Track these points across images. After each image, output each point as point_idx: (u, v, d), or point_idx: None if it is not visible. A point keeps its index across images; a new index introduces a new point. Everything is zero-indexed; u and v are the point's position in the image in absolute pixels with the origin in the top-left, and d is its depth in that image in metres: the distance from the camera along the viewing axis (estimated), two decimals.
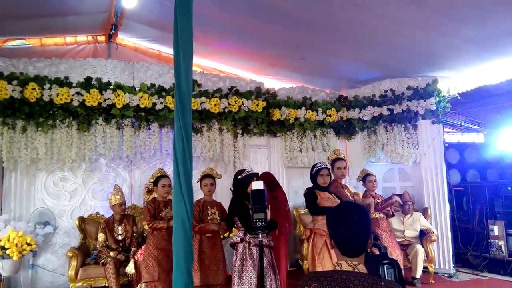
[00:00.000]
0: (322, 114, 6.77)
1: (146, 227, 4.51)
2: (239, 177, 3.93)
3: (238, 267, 3.69)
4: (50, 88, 5.15)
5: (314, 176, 4.13)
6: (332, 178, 4.28)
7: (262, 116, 6.32)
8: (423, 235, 5.69)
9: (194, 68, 6.61)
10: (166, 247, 4.04)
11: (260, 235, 3.32)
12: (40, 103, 5.12)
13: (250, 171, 3.98)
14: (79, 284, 4.72)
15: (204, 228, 4.06)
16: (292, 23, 5.07)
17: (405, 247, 5.59)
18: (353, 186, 6.82)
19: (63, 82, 5.29)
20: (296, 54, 6.13)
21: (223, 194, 5.84)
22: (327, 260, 3.84)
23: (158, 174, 4.37)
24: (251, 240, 3.72)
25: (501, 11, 4.32)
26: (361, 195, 5.73)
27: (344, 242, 1.62)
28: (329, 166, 4.19)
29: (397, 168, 6.82)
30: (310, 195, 4.09)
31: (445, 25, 4.75)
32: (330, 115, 6.83)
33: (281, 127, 6.59)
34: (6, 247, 4.32)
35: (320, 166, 4.12)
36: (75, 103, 5.22)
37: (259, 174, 4.15)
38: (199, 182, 4.24)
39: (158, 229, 4.09)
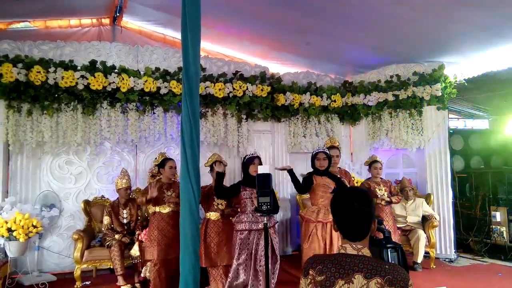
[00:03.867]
0: (326, 100, 6.74)
1: (150, 210, 4.59)
2: (244, 161, 4.11)
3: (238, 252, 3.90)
4: (55, 71, 5.15)
5: (312, 160, 4.27)
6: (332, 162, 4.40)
7: (267, 101, 6.30)
8: (425, 221, 5.73)
9: None
10: (165, 228, 4.33)
11: (265, 219, 3.37)
12: (45, 86, 5.12)
13: (252, 154, 4.10)
14: (85, 266, 4.79)
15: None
16: (298, 7, 5.02)
17: (407, 232, 5.63)
18: (356, 172, 6.85)
19: (68, 65, 5.28)
20: (301, 38, 6.08)
21: (227, 178, 5.92)
22: (316, 244, 4.01)
23: (163, 157, 4.47)
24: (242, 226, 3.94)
25: None
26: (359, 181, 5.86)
27: (346, 226, 1.64)
28: (326, 151, 4.25)
29: (401, 154, 6.82)
30: (305, 178, 4.26)
31: (453, 11, 4.69)
32: (334, 101, 6.80)
33: (286, 112, 6.57)
34: (12, 229, 4.38)
35: (317, 150, 4.28)
36: (80, 87, 5.22)
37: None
38: (209, 167, 4.40)
39: (142, 204, 4.38)
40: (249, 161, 4.03)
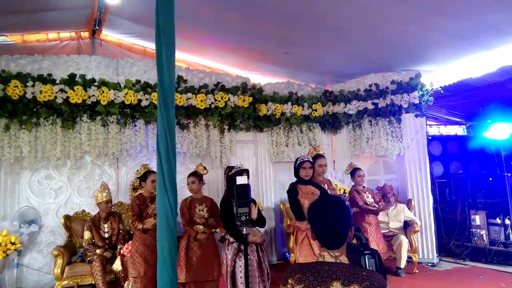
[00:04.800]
0: (308, 109, 6.82)
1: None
2: (230, 173, 4.00)
3: (230, 265, 3.82)
4: (33, 86, 5.08)
5: (296, 169, 4.18)
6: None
7: (249, 112, 6.34)
8: (407, 226, 5.80)
9: (180, 64, 6.64)
10: (152, 243, 4.03)
11: (244, 229, 3.35)
12: (23, 100, 5.05)
13: (239, 167, 4.02)
14: (65, 282, 4.69)
15: (189, 232, 4.13)
16: (276, 17, 5.09)
17: (389, 238, 5.69)
18: (338, 179, 6.92)
19: (47, 79, 5.22)
20: (281, 49, 6.15)
21: (210, 189, 5.90)
22: (309, 251, 3.95)
23: (145, 170, 4.39)
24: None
25: (483, 5, 4.39)
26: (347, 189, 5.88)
27: (323, 234, 1.67)
28: (311, 159, 4.24)
29: (381, 161, 6.92)
30: (292, 194, 4.06)
31: (428, 19, 4.81)
32: (316, 110, 6.88)
33: (268, 122, 6.61)
34: None
35: (302, 159, 4.19)
36: (59, 100, 5.16)
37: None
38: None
39: (138, 230, 4.13)
40: (238, 174, 3.84)
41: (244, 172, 3.95)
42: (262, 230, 4.51)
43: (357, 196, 5.30)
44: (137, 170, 4.64)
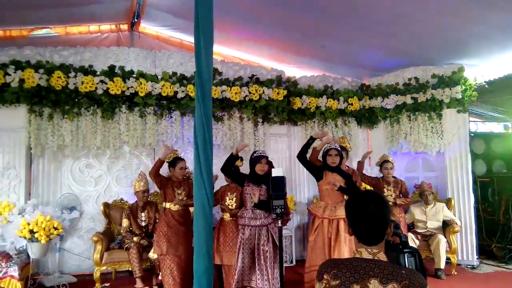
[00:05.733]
0: (343, 103, 6.69)
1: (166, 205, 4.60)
2: (252, 157, 4.12)
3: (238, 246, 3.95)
4: (75, 77, 5.26)
5: (323, 156, 4.31)
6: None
7: (283, 105, 6.29)
8: (446, 226, 5.60)
9: (215, 57, 6.63)
10: (175, 225, 4.39)
11: (279, 222, 3.36)
12: (66, 91, 5.24)
13: (260, 153, 4.09)
14: (104, 268, 4.86)
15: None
16: (313, 10, 5.00)
17: (427, 237, 5.52)
18: (375, 175, 6.74)
19: (88, 70, 5.40)
20: (317, 41, 6.05)
21: None
22: (320, 238, 4.07)
23: (175, 156, 4.58)
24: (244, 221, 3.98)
25: None
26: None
27: (361, 230, 1.62)
28: (338, 147, 4.24)
29: (420, 158, 6.70)
30: (316, 167, 4.34)
31: (472, 12, 4.59)
32: (351, 104, 6.74)
33: (302, 115, 6.54)
34: (34, 230, 4.48)
35: (329, 146, 4.28)
36: (99, 91, 5.32)
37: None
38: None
39: (152, 174, 4.36)
40: (256, 159, 4.02)
41: (262, 158, 4.03)
42: (294, 223, 4.54)
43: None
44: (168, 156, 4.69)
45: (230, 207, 4.37)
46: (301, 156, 4.33)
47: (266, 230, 3.93)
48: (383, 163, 5.37)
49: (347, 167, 4.72)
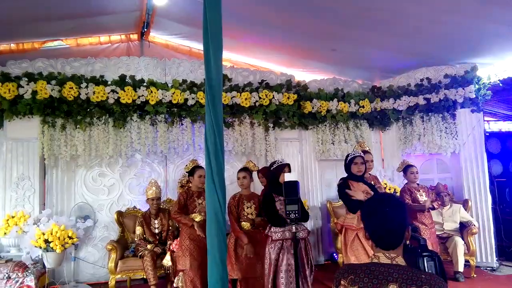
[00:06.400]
0: (354, 106, 6.63)
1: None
2: (271, 168, 3.93)
3: (274, 263, 3.69)
4: (86, 87, 5.33)
5: (348, 165, 4.00)
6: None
7: (293, 109, 6.27)
8: (464, 228, 5.49)
9: (224, 63, 6.68)
10: (197, 238, 4.18)
11: (294, 228, 3.29)
12: (78, 101, 5.30)
13: (281, 162, 3.93)
14: (119, 276, 4.86)
15: (235, 232, 4.15)
16: (322, 13, 4.98)
17: (444, 240, 5.41)
18: (388, 178, 6.67)
19: (99, 81, 5.46)
20: (326, 45, 6.02)
21: (255, 188, 5.89)
22: (361, 250, 3.76)
23: (194, 165, 4.45)
24: (279, 235, 3.71)
25: None
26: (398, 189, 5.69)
27: (378, 235, 1.58)
28: (363, 155, 4.07)
29: (434, 159, 6.60)
30: (342, 188, 3.90)
31: (484, 10, 4.51)
32: (363, 106, 6.68)
33: (313, 119, 6.50)
34: (49, 240, 4.52)
35: (354, 154, 4.01)
36: (111, 101, 5.37)
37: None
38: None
39: (179, 223, 4.23)
40: (279, 169, 3.83)
41: (285, 166, 3.87)
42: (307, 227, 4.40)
43: (406, 195, 5.09)
44: (186, 165, 4.64)
45: (250, 216, 4.20)
46: (355, 208, 3.85)
47: (304, 243, 3.75)
48: (407, 168, 5.19)
49: (369, 174, 4.53)
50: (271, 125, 6.20)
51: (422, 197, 5.10)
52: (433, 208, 5.15)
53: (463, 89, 5.99)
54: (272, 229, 3.80)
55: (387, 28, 5.24)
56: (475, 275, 5.30)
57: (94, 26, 6.06)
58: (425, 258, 1.67)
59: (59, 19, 5.46)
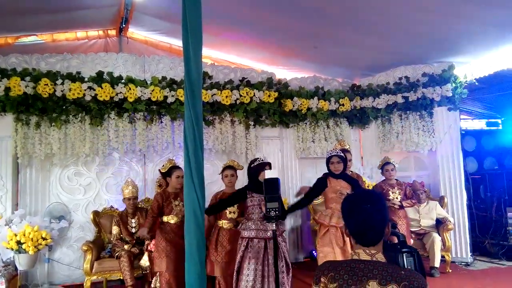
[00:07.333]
0: (334, 104, 6.67)
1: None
2: (251, 165, 3.92)
3: (238, 260, 3.73)
4: (62, 84, 5.18)
5: (326, 163, 4.12)
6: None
7: (274, 107, 6.26)
8: (440, 224, 5.60)
9: (204, 60, 6.61)
10: (174, 240, 4.15)
11: (274, 225, 3.28)
12: (53, 98, 5.15)
13: (262, 160, 3.92)
14: (94, 277, 4.74)
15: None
16: (303, 12, 4.99)
17: (421, 236, 5.51)
18: (367, 176, 6.75)
19: (75, 77, 5.31)
20: (308, 43, 6.04)
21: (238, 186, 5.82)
22: (329, 247, 3.91)
23: (171, 165, 4.37)
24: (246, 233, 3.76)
25: None
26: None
27: (357, 231, 1.58)
28: (340, 154, 4.11)
29: (412, 156, 6.71)
30: (319, 182, 4.11)
31: (461, 8, 4.60)
32: (343, 105, 6.73)
33: (294, 117, 6.51)
34: (22, 241, 4.37)
35: (330, 153, 4.11)
36: (88, 98, 5.24)
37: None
38: (221, 174, 4.33)
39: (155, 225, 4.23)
40: (260, 167, 3.82)
41: (266, 165, 3.87)
42: (288, 225, 4.42)
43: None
44: (163, 165, 4.55)
45: (231, 215, 4.18)
46: (311, 196, 4.16)
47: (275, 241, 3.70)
48: (384, 165, 5.33)
49: (351, 172, 4.61)
50: (252, 123, 6.17)
51: (395, 194, 5.19)
52: (402, 207, 5.22)
53: (441, 87, 6.11)
54: (243, 225, 3.83)
55: (367, 27, 5.29)
56: (450, 270, 5.42)
57: (70, 21, 5.91)
58: (404, 254, 1.69)
59: (34, 13, 5.30)
